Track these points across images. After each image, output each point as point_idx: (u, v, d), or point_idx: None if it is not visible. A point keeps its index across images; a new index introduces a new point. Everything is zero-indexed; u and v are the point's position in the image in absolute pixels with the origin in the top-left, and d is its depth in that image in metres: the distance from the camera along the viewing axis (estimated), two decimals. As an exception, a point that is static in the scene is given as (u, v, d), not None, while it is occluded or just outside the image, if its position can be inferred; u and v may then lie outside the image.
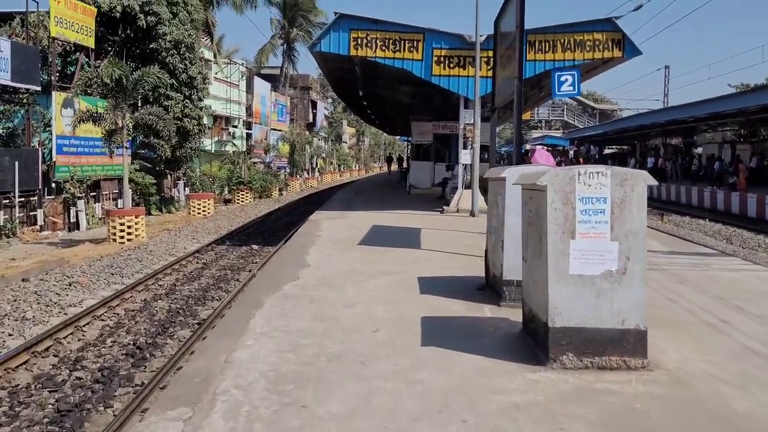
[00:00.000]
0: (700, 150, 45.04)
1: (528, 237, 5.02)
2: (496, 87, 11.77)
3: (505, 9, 10.59)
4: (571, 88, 15.70)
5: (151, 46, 27.10)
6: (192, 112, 28.10)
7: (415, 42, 15.47)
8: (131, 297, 11.13)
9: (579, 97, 76.75)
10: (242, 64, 46.42)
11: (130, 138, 19.70)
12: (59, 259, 14.44)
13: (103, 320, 9.77)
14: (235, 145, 37.98)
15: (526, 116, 65.10)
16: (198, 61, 29.04)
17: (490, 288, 7.07)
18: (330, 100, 76.32)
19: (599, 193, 4.42)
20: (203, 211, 26.41)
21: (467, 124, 15.59)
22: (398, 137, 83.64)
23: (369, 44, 15.28)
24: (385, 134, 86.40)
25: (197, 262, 14.90)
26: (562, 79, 15.66)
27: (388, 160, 59.99)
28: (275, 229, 21.43)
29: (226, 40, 47.31)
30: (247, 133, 46.43)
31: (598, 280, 4.44)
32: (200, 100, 29.02)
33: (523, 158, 28.08)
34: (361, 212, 16.40)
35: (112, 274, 12.91)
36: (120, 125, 18.65)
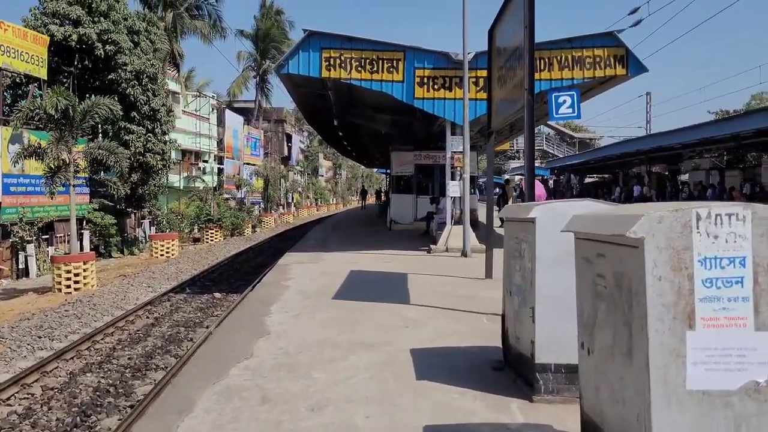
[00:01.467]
0: (685, 177, 44.00)
1: (596, 317, 3.16)
2: (492, 108, 10.05)
3: (504, 13, 8.91)
4: (571, 110, 14.05)
5: (110, 76, 25.22)
6: (155, 146, 26.12)
7: (394, 61, 13.76)
8: (55, 369, 9.03)
9: (558, 126, 76.25)
10: (212, 97, 44.64)
11: (78, 175, 17.65)
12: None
13: (9, 405, 7.67)
14: (203, 180, 35.94)
15: (504, 146, 63.95)
16: (162, 93, 27.18)
17: (510, 368, 5.19)
18: (306, 134, 74.71)
19: (734, 251, 2.58)
20: (167, 252, 24.30)
21: (455, 152, 13.84)
22: (376, 169, 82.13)
23: (343, 65, 13.53)
24: (362, 167, 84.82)
25: (147, 317, 12.82)
26: (560, 100, 14.09)
27: (362, 193, 57.93)
28: (243, 272, 19.39)
29: (197, 72, 45.64)
30: (218, 168, 44.47)
31: (737, 399, 2.59)
32: (164, 133, 27.08)
33: (504, 189, 26.65)
34: (338, 253, 14.45)
35: (40, 337, 10.78)
36: (66, 160, 16.67)
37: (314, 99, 19.18)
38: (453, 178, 13.91)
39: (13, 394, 7.95)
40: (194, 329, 11.64)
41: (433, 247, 14.09)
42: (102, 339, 10.85)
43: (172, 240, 24.78)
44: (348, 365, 5.52)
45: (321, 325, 7.16)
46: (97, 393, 8.02)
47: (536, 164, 64.32)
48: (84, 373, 8.90)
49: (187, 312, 13.30)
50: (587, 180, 60.95)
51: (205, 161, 42.47)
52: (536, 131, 63.23)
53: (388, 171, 43.72)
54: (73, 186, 17.22)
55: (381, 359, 5.67)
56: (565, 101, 14.09)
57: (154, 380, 8.35)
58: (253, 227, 38.49)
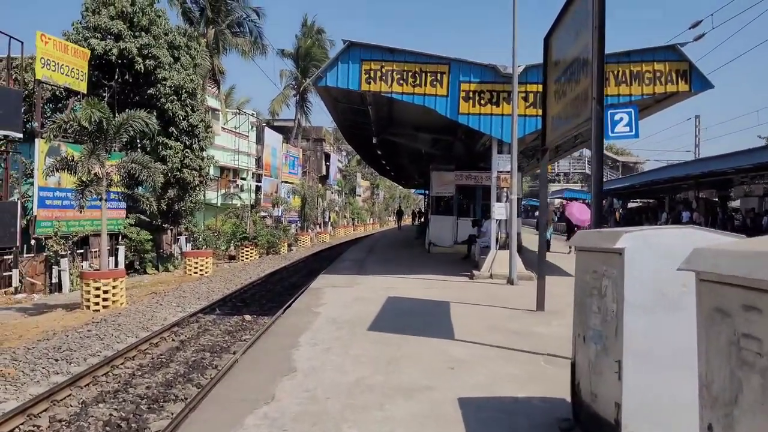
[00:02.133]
0: (736, 203, 42.13)
1: (739, 394, 2.25)
2: (546, 123, 9.16)
3: (563, 18, 8.05)
4: (628, 128, 13.07)
5: (149, 91, 25.04)
6: (193, 162, 25.83)
7: (438, 75, 12.96)
8: (67, 397, 8.35)
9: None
10: (252, 115, 44.59)
11: (112, 189, 17.23)
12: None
13: (12, 438, 7.00)
14: (240, 198, 35.60)
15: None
16: (201, 109, 26.92)
17: (583, 429, 4.27)
18: (344, 153, 74.52)
19: None
20: (200, 270, 23.81)
21: (501, 172, 12.93)
22: (413, 190, 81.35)
23: (384, 77, 12.79)
24: (400, 187, 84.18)
25: (173, 340, 12.14)
26: (617, 118, 13.12)
27: (399, 213, 56.93)
28: (276, 293, 18.68)
29: (238, 90, 45.79)
30: (256, 186, 44.27)
31: None
32: (202, 149, 26.78)
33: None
34: (374, 277, 13.62)
35: (57, 360, 10.15)
36: (99, 174, 16.28)
37: (353, 115, 18.52)
38: (499, 200, 12.99)
39: (17, 426, 7.28)
40: (220, 355, 10.91)
41: (476, 272, 13.13)
42: (122, 364, 10.18)
43: (206, 257, 24.29)
44: (384, 416, 4.65)
45: (354, 361, 6.31)
46: (108, 427, 7.29)
47: (578, 187, 62.78)
48: (97, 403, 8.19)
49: (214, 335, 12.58)
50: (630, 205, 59.13)
51: (243, 179, 42.29)
52: (579, 154, 61.65)
53: (427, 191, 42.82)
54: (105, 200, 16.82)
55: (423, 410, 4.79)
56: (621, 119, 13.10)
57: (171, 414, 7.60)
58: (289, 246, 37.99)
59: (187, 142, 25.76)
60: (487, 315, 8.97)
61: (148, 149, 25.07)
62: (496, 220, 12.97)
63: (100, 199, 16.51)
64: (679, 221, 36.01)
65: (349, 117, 18.88)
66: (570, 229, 24.05)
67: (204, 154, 27.10)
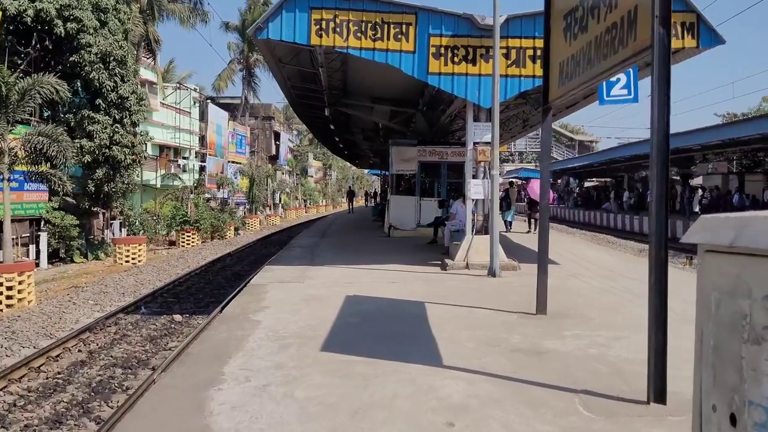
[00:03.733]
0: (697, 181, 41.37)
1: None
2: (550, 73, 7.14)
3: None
4: (626, 91, 11.16)
5: (72, 58, 22.17)
6: (123, 138, 23.03)
7: (404, 26, 10.77)
8: None
9: (557, 128, 73.59)
10: (194, 89, 41.52)
11: (15, 168, 14.57)
12: None
13: None
14: (180, 179, 32.87)
15: (501, 149, 61.16)
16: (132, 79, 24.08)
17: None
18: (295, 132, 71.65)
19: None
20: (133, 258, 21.25)
21: (478, 143, 10.88)
22: (367, 171, 79.07)
23: (338, 29, 10.54)
24: (353, 168, 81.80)
25: (79, 351, 9.79)
26: (612, 79, 11.24)
27: (350, 194, 51.84)
28: (216, 284, 16.37)
29: (179, 65, 42.64)
30: (200, 166, 41.39)
31: None
32: (134, 125, 23.97)
33: (507, 191, 23.75)
34: (329, 268, 11.45)
35: None
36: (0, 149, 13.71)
37: (302, 81, 16.21)
38: (475, 176, 10.96)
39: None
40: (135, 371, 8.65)
41: (448, 262, 11.08)
42: (1, 389, 7.83)
43: (139, 244, 21.72)
44: None
45: (302, 414, 4.18)
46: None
47: (532, 167, 61.69)
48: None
49: (133, 343, 10.25)
50: (587, 184, 58.38)
51: (186, 158, 39.37)
52: (535, 133, 60.77)
53: (383, 172, 40.49)
54: (8, 180, 14.22)
55: None
56: (618, 80, 11.18)
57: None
58: (236, 230, 35.46)
59: (117, 116, 22.98)
60: (476, 321, 6.94)
61: (72, 124, 22.29)
62: (473, 200, 10.95)
63: (2, 179, 13.94)
64: (644, 201, 34.80)
65: (297, 85, 16.53)
66: (531, 206, 22.44)
67: (137, 130, 24.31)
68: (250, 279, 10.44)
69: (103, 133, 22.26)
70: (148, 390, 6.07)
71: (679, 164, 40.41)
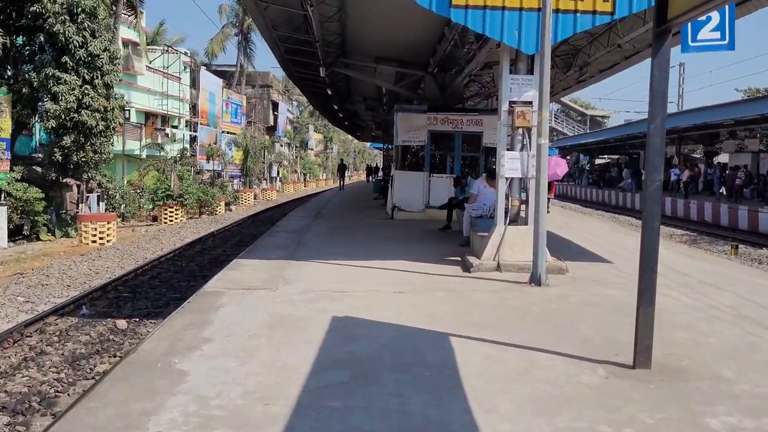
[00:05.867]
0: (722, 159, 38.42)
1: None
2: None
3: None
4: (718, 34, 8.41)
5: (33, 8, 19.42)
6: (94, 101, 20.34)
7: (420, -56, 8.02)
8: None
9: (565, 101, 70.46)
10: (185, 53, 38.59)
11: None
12: None
13: None
14: (163, 148, 30.15)
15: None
16: (104, 34, 21.27)
17: None
18: (295, 104, 68.52)
19: None
20: (101, 238, 18.71)
21: (516, 103, 8.16)
22: (369, 144, 76.05)
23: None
24: (355, 141, 78.75)
25: (-24, 376, 7.22)
26: (701, 18, 8.57)
27: (341, 169, 42.20)
28: (188, 272, 13.82)
29: (170, 29, 39.62)
30: (191, 136, 38.65)
31: None
32: (107, 86, 21.20)
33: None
34: (315, 264, 8.78)
35: None
36: None
37: (292, 31, 13.43)
38: (512, 148, 8.26)
39: None
40: (30, 419, 6.07)
41: (474, 261, 8.38)
42: None
43: (108, 222, 19.14)
44: None
45: None
46: None
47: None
48: None
49: (46, 367, 7.53)
50: (598, 161, 55.55)
51: (175, 127, 36.63)
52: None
53: (386, 145, 37.31)
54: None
55: None
56: (709, 18, 8.43)
57: None
58: (227, 205, 32.84)
59: (87, 77, 20.28)
60: (545, 388, 4.18)
61: (35, 84, 19.59)
62: (506, 179, 8.26)
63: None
64: (668, 180, 31.99)
65: (284, 34, 13.69)
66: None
67: (111, 92, 21.55)
68: (210, 280, 7.81)
69: (71, 95, 19.61)
70: None
71: (705, 141, 37.61)
